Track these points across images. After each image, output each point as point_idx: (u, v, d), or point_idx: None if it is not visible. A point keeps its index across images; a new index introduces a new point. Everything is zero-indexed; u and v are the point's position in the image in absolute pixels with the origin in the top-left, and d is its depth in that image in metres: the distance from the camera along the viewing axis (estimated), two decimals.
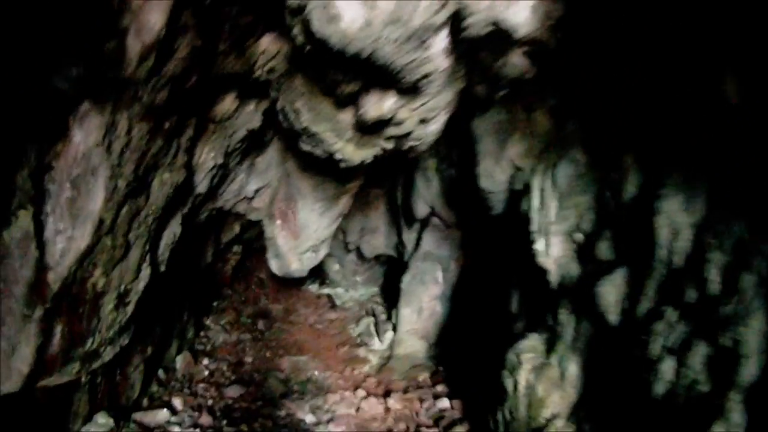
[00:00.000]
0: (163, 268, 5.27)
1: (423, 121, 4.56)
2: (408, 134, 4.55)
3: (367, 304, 11.57)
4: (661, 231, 3.52)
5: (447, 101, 4.57)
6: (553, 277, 4.96)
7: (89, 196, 3.72)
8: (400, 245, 9.90)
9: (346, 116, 4.41)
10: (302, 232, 6.82)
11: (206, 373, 8.21)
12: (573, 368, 4.62)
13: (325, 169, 5.94)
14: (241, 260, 11.07)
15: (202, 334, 9.39)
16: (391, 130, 4.43)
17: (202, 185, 5.43)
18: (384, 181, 9.93)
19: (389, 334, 9.30)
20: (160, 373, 7.55)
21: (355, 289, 12.48)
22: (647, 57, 3.63)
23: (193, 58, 3.81)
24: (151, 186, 4.54)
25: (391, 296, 11.23)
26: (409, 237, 9.11)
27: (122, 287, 4.75)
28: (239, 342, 9.28)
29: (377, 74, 3.67)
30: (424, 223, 8.33)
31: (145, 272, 4.90)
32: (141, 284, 4.96)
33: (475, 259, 7.87)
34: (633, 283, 3.88)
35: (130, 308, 5.05)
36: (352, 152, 4.73)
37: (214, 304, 10.50)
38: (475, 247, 7.64)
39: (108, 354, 5.14)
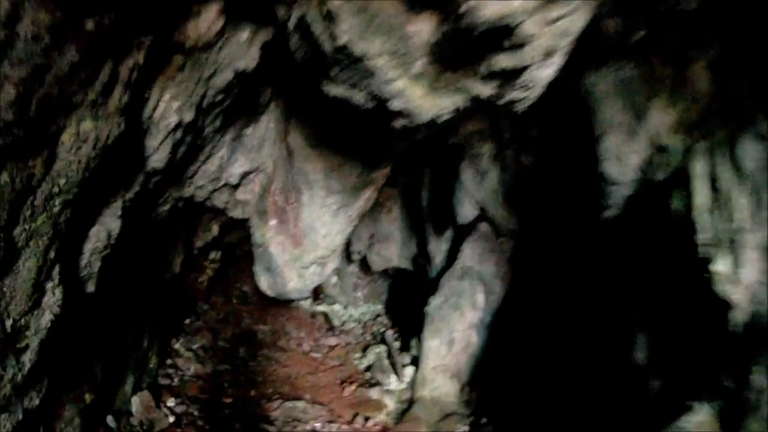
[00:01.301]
0: (91, 286, 3.20)
1: (548, 54, 2.60)
2: (522, 71, 2.59)
3: (372, 326, 9.54)
4: None
5: (578, 27, 2.63)
6: (740, 314, 3.03)
7: None
8: (420, 257, 7.90)
9: (423, 27, 2.44)
10: (307, 237, 4.83)
11: (171, 420, 6.10)
12: None
13: (349, 143, 3.93)
14: (220, 269, 8.96)
15: (168, 362, 7.28)
16: (501, 60, 2.47)
17: (158, 155, 3.39)
18: (399, 177, 7.92)
19: (409, 370, 7.27)
20: (110, 420, 5.53)
21: (355, 307, 10.44)
22: None
23: None
24: (58, 142, 2.49)
25: (400, 316, 9.23)
26: (437, 248, 7.12)
27: (6, 324, 2.69)
28: (215, 375, 7.17)
29: None
30: (467, 230, 6.35)
31: (52, 296, 2.84)
32: (45, 317, 2.90)
33: (536, 279, 5.90)
34: None
35: (29, 356, 2.99)
36: (421, 99, 2.75)
37: (186, 322, 8.37)
38: (540, 263, 5.67)
39: (5, 426, 3.19)
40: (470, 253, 6.53)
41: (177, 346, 7.76)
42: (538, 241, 5.52)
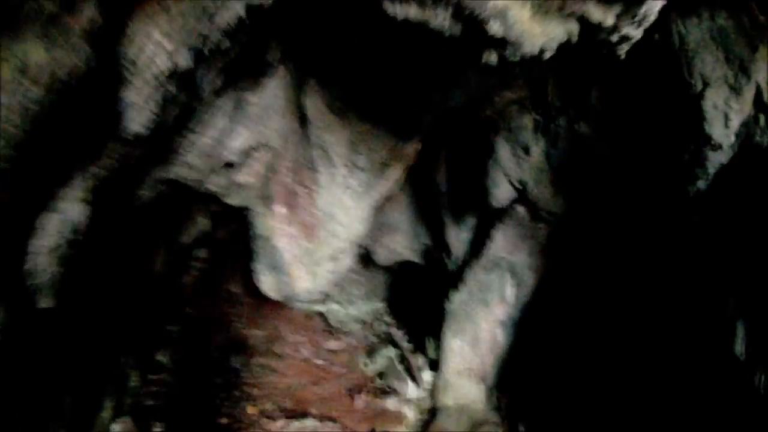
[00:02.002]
0: (46, 299, 2.28)
1: None
2: None
3: (375, 326, 8.69)
4: None
5: None
6: None
7: None
8: (435, 249, 7.08)
9: None
10: (323, 226, 4.00)
11: None
12: None
13: (387, 103, 3.07)
14: (208, 269, 7.99)
15: (152, 377, 6.33)
16: None
17: (140, 116, 2.49)
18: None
19: (427, 375, 6.47)
20: None
21: (353, 305, 9.54)
22: None
23: None
24: None
25: (407, 315, 8.42)
26: (457, 238, 6.32)
27: None
28: (206, 390, 6.26)
29: None
30: (499, 215, 5.56)
31: None
32: None
33: (580, 267, 5.15)
34: None
35: None
36: (528, 23, 1.93)
37: (171, 328, 7.40)
38: (588, 249, 4.91)
39: None
40: (502, 242, 5.73)
41: (161, 357, 6.82)
42: (590, 223, 4.75)
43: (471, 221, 6.18)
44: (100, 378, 4.82)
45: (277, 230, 4.17)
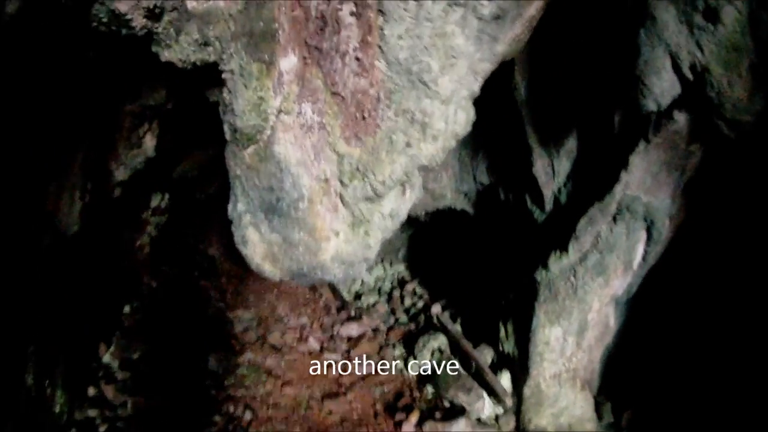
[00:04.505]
0: None
1: None
2: None
3: (401, 299, 6.51)
4: None
5: None
6: None
7: None
8: (500, 190, 4.83)
9: None
10: (394, 102, 1.62)
11: None
12: None
13: None
14: (168, 224, 5.69)
15: (91, 393, 4.20)
16: None
17: None
18: None
19: (505, 380, 4.29)
20: None
21: (368, 269, 7.33)
22: None
23: None
24: None
25: (441, 283, 6.23)
26: (558, 168, 4.08)
27: None
28: (171, 410, 4.07)
29: None
30: (644, 126, 3.30)
31: None
32: None
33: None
34: None
35: None
36: None
37: (125, 309, 5.19)
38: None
39: None
40: (641, 172, 3.49)
41: (107, 358, 4.64)
42: None
43: (581, 142, 3.90)
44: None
45: (283, 122, 1.86)
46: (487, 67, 2.05)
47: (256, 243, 2.50)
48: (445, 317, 5.27)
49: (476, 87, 2.06)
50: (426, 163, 2.03)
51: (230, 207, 2.40)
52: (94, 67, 2.82)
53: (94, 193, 3.31)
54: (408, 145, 1.91)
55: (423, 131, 1.90)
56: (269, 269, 2.54)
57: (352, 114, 1.87)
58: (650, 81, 3.13)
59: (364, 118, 1.87)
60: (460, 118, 2.01)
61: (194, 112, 3.26)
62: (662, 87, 3.14)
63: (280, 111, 1.86)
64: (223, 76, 1.79)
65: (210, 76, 1.79)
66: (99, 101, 2.91)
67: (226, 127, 1.97)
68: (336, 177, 2.01)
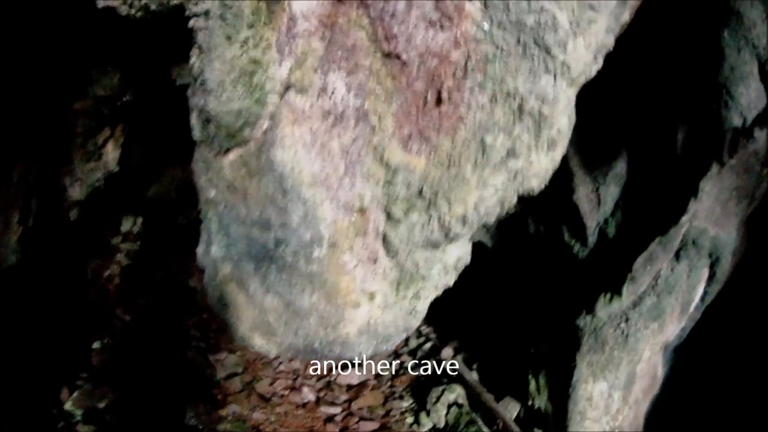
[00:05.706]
0: None
1: None
2: None
3: (410, 341, 5.80)
4: None
5: None
6: None
7: None
8: (530, 221, 4.27)
9: None
10: (485, 75, 1.04)
11: None
12: None
13: None
14: (142, 252, 5.01)
15: None
16: None
17: None
18: None
19: None
20: None
21: None
22: None
23: None
24: None
25: (450, 322, 5.57)
26: (605, 195, 3.52)
27: None
28: None
29: None
30: (719, 145, 2.79)
31: None
32: None
33: None
34: None
35: None
36: None
37: (95, 345, 4.52)
38: None
39: None
40: (711, 200, 2.95)
41: (69, 406, 3.95)
42: None
43: (633, 165, 3.36)
44: None
45: (293, 106, 1.19)
46: (610, 42, 1.46)
47: (241, 307, 1.80)
48: (461, 364, 4.62)
49: (597, 67, 1.47)
50: (534, 186, 1.43)
51: (200, 250, 1.72)
52: (23, 43, 2.19)
53: (40, 215, 2.66)
54: (511, 153, 1.24)
55: (537, 130, 1.25)
56: (261, 344, 1.83)
57: (418, 95, 1.19)
58: (736, 90, 2.61)
59: (438, 102, 1.17)
60: (573, 116, 1.41)
61: (168, 116, 2.66)
62: (749, 98, 2.62)
63: (288, 86, 1.13)
64: (193, 24, 1.12)
65: (175, 38, 1.16)
66: (37, 95, 2.29)
67: (194, 118, 1.31)
68: (380, 206, 1.34)
